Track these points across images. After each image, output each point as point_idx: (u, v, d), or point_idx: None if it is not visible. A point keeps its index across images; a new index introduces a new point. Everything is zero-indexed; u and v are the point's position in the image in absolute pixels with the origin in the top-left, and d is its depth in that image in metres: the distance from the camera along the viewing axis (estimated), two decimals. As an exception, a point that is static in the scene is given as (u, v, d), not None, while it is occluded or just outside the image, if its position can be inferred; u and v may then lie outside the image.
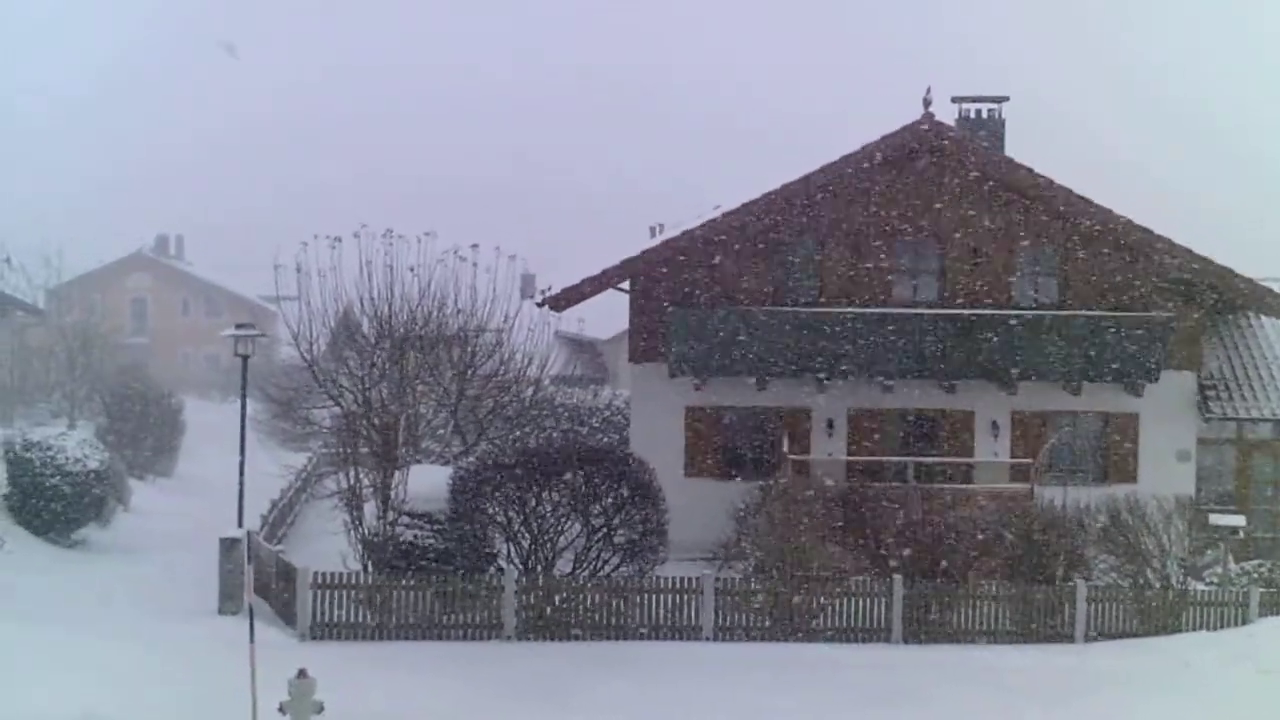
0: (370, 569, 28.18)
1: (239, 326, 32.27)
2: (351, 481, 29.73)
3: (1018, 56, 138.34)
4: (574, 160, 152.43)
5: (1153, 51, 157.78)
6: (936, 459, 35.40)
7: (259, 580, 27.87)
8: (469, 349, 36.53)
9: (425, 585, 27.18)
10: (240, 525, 29.58)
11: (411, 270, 34.96)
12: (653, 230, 40.72)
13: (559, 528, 28.42)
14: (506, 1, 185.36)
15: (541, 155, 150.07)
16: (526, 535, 28.42)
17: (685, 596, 27.60)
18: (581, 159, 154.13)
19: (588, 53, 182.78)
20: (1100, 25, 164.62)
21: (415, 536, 28.52)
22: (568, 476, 28.55)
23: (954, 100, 38.50)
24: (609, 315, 51.35)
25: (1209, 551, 30.85)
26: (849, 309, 35.30)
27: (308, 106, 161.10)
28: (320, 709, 15.63)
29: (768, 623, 27.71)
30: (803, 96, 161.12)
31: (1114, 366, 34.77)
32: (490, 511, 28.46)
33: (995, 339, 34.64)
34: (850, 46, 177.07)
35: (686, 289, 35.93)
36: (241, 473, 30.99)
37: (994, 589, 28.56)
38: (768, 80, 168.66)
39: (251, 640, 17.02)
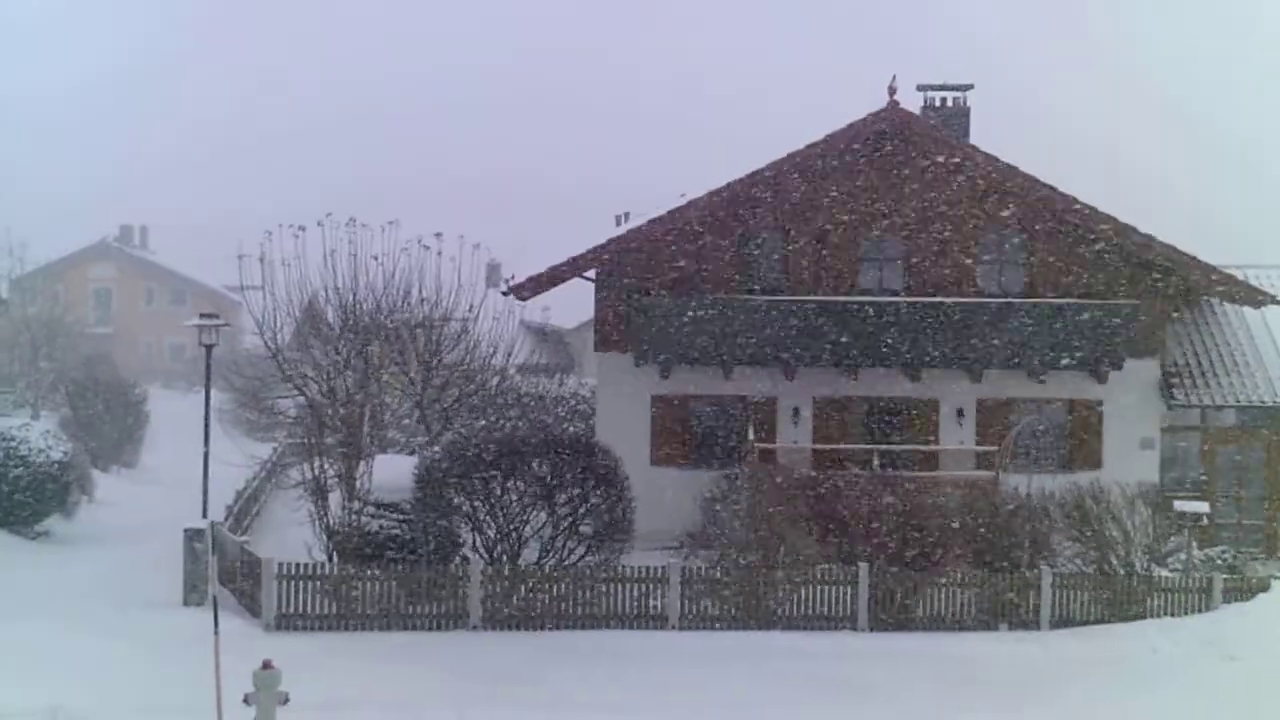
0: (335, 559, 28.11)
1: (203, 316, 32.21)
2: (316, 471, 29.70)
3: (1024, 57, 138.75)
4: (543, 155, 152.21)
5: (1157, 52, 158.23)
6: (902, 447, 35.47)
7: (224, 571, 27.80)
8: (434, 338, 36.50)
9: (390, 575, 27.10)
10: (205, 516, 29.50)
11: (376, 259, 34.97)
12: (618, 219, 40.65)
13: (525, 517, 28.37)
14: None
15: (510, 150, 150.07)
16: (492, 525, 28.37)
17: (651, 586, 27.57)
18: (550, 153, 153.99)
19: (596, 50, 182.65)
20: (1107, 26, 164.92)
21: (380, 526, 28.43)
22: (534, 466, 28.50)
23: (919, 88, 38.53)
24: (575, 304, 51.40)
25: (1173, 538, 30.93)
26: (815, 297, 35.34)
27: (276, 103, 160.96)
28: (285, 700, 15.60)
29: (734, 611, 27.69)
30: (779, 91, 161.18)
31: (1078, 354, 34.87)
32: (455, 501, 28.39)
33: (960, 326, 34.71)
34: (829, 39, 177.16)
35: (652, 277, 35.91)
36: (206, 463, 30.93)
37: (959, 576, 28.62)
38: (778, 83, 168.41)
39: (216, 631, 16.97)
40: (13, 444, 33.14)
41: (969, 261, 36.07)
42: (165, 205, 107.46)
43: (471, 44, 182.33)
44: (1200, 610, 28.93)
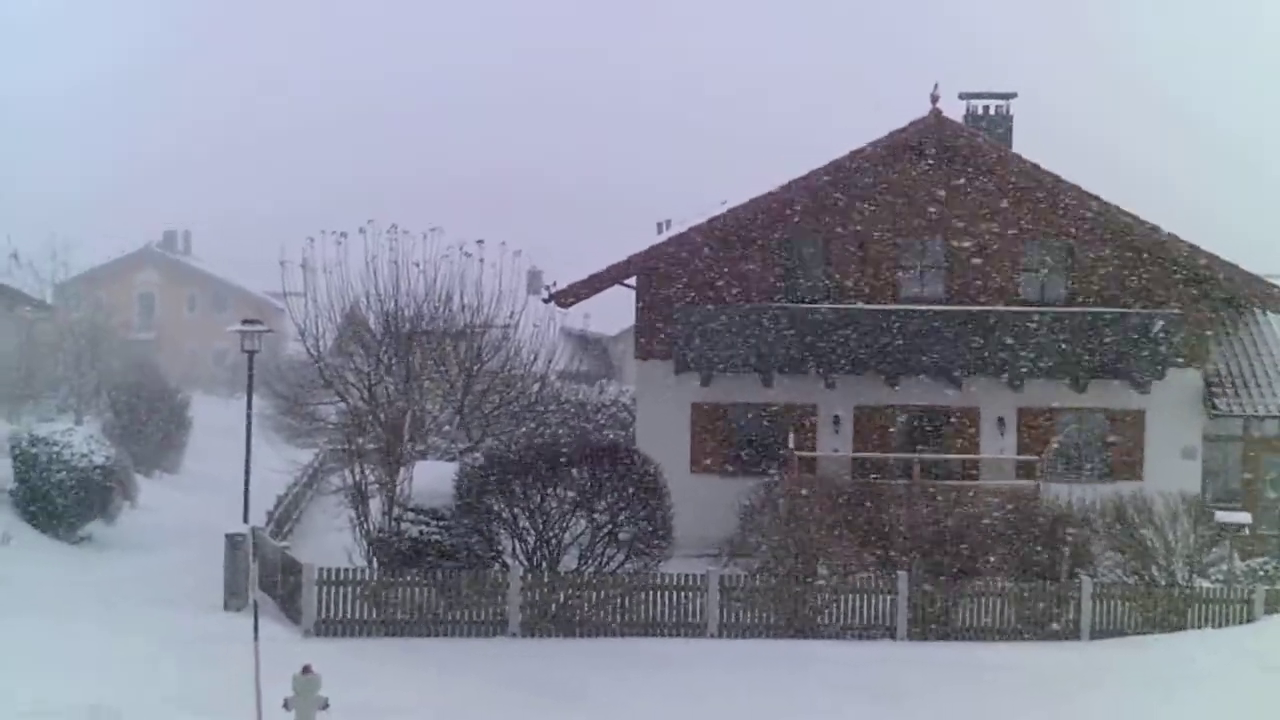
0: (375, 565, 28.20)
1: (246, 322, 32.22)
2: (357, 477, 29.77)
3: (1024, 57, 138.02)
4: (542, 155, 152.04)
5: (1157, 52, 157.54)
6: (942, 456, 35.36)
7: (264, 576, 27.88)
8: (475, 345, 36.54)
9: (430, 581, 27.19)
10: (246, 521, 29.56)
11: (417, 266, 35.01)
12: (659, 226, 40.65)
13: (564, 524, 28.41)
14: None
15: (510, 150, 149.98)
16: (532, 531, 28.41)
17: (690, 593, 27.60)
18: (550, 153, 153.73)
19: (596, 50, 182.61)
20: (1107, 26, 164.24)
21: (420, 533, 28.53)
22: (573, 473, 28.53)
23: (961, 97, 38.41)
24: (615, 311, 51.34)
25: (1214, 549, 30.75)
26: (855, 305, 35.31)
27: (315, 106, 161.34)
28: (325, 705, 15.65)
29: (772, 620, 27.68)
30: (779, 92, 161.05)
31: (1120, 363, 34.74)
32: (495, 508, 28.45)
33: (1002, 335, 34.61)
34: (829, 39, 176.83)
35: (693, 285, 35.94)
36: (247, 469, 30.96)
37: (999, 586, 28.54)
38: (777, 83, 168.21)
39: (256, 636, 17.05)
40: (56, 449, 33.28)
41: (1011, 270, 35.96)
42: (162, 205, 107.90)
43: (471, 44, 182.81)
44: (1242, 621, 28.77)
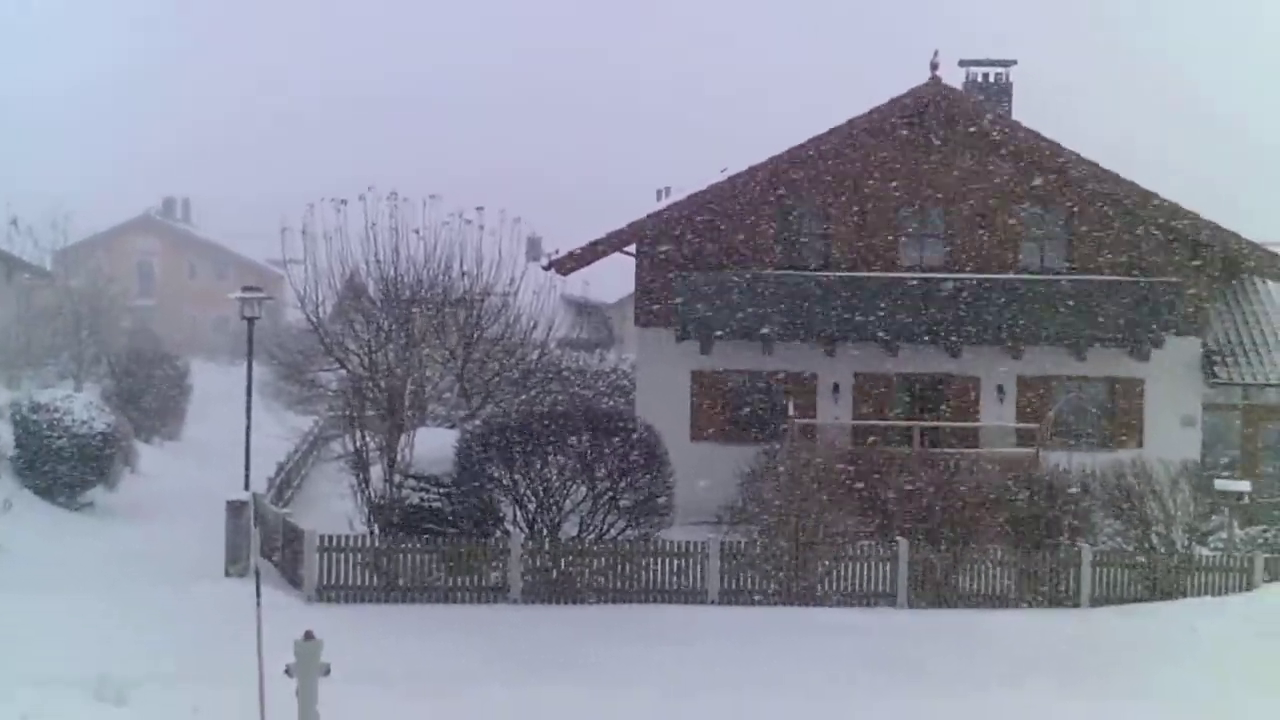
0: (377, 532, 28.26)
1: (245, 289, 32.20)
2: (358, 444, 29.81)
3: (1023, 58, 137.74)
4: (543, 155, 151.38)
5: (1128, 38, 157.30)
6: (942, 423, 35.41)
7: (266, 543, 27.96)
8: (475, 312, 36.51)
9: (431, 548, 27.27)
10: (247, 488, 29.60)
11: (417, 233, 34.94)
12: (659, 194, 40.64)
13: (565, 491, 28.41)
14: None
15: (510, 150, 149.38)
16: (532, 498, 28.44)
17: (691, 560, 27.66)
18: (550, 153, 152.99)
19: (596, 50, 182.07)
20: (1075, 13, 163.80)
21: (421, 499, 28.59)
22: (573, 440, 28.53)
23: (961, 64, 38.33)
24: (615, 279, 51.35)
25: (1214, 517, 30.80)
26: (855, 273, 35.34)
27: (315, 106, 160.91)
28: (326, 671, 15.64)
29: (773, 587, 27.74)
30: (779, 91, 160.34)
31: (1119, 331, 34.77)
32: (496, 475, 28.46)
33: (1001, 303, 34.64)
34: (829, 39, 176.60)
35: (693, 252, 35.94)
36: (248, 436, 30.99)
37: (999, 554, 28.59)
38: (777, 83, 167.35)
39: (258, 603, 17.03)
40: (56, 415, 33.34)
41: (1010, 238, 35.96)
42: (195, 177, 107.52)
43: (471, 44, 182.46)
44: (1241, 589, 28.83)
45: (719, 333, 35.01)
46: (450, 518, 28.33)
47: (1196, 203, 35.62)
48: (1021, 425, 35.17)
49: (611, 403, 41.13)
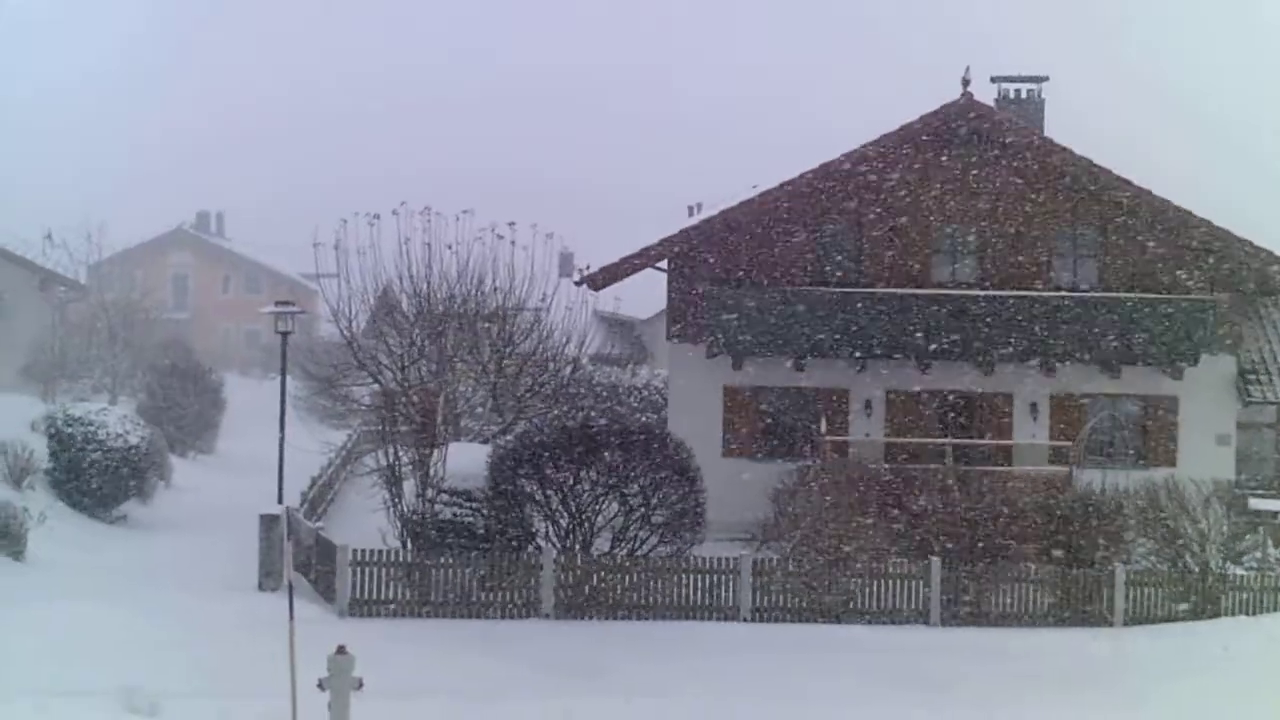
0: (409, 546, 28.32)
1: (279, 303, 32.33)
2: (391, 459, 29.88)
3: (1024, 56, 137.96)
4: (543, 154, 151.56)
5: (1133, 38, 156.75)
6: (975, 441, 35.31)
7: (299, 557, 28.02)
8: (507, 327, 36.62)
9: (464, 563, 27.32)
10: (280, 502, 29.67)
11: (450, 248, 35.10)
12: (691, 209, 40.65)
13: (597, 507, 28.42)
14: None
15: (510, 149, 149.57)
16: (565, 514, 28.46)
17: (722, 577, 27.64)
18: (550, 153, 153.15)
19: (570, 48, 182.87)
20: (1078, 13, 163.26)
21: (454, 514, 28.65)
22: (606, 456, 28.55)
23: (993, 80, 38.31)
24: (647, 294, 51.33)
25: (1248, 536, 30.66)
26: (887, 289, 35.28)
27: (276, 102, 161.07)
28: (359, 685, 15.71)
29: (805, 604, 27.71)
30: (787, 96, 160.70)
31: (1153, 349, 34.64)
32: (529, 490, 28.50)
33: (1034, 321, 34.55)
34: (830, 40, 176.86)
35: (725, 268, 35.94)
36: (281, 450, 31.09)
37: (1032, 572, 28.50)
38: (807, 90, 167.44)
39: (291, 616, 17.11)
40: (91, 429, 33.52)
41: (1044, 255, 35.90)
42: (228, 188, 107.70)
43: (473, 44, 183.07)
44: (1276, 609, 28.68)
45: (750, 349, 34.98)
46: (483, 533, 28.37)
47: (1228, 221, 35.52)
48: (1054, 443, 35.06)
49: (643, 418, 41.13)
